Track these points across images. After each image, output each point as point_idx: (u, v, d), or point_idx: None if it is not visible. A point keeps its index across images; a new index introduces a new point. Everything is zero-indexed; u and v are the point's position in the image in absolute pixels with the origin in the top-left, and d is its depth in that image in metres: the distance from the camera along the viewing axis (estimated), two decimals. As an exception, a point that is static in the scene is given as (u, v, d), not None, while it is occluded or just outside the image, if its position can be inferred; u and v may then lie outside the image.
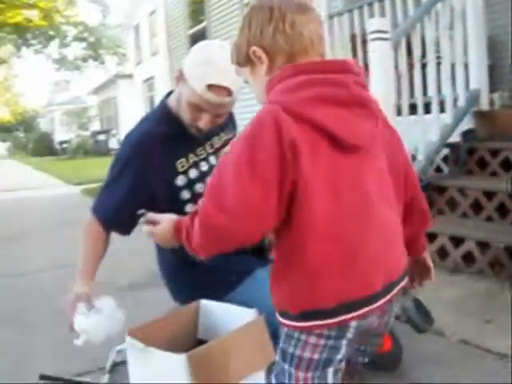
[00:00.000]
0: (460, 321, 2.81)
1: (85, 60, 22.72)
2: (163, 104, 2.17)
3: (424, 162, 4.27)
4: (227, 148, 2.20)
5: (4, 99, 35.19)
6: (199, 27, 11.11)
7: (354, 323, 1.23)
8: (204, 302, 2.05)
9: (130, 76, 27.03)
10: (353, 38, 5.43)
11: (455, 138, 4.49)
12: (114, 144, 26.09)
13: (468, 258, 3.51)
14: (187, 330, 2.02)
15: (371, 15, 5.03)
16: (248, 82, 1.39)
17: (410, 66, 4.36)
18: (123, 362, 2.12)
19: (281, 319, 1.28)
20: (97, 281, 1.99)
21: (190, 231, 1.28)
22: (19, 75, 54.68)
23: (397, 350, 2.37)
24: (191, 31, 11.49)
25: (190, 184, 2.12)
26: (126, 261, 4.57)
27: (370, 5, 5.13)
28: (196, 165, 2.14)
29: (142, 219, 1.50)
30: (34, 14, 18.47)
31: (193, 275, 2.13)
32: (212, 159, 2.19)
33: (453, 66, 4.42)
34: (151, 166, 2.03)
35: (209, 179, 2.06)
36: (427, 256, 1.58)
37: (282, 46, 1.26)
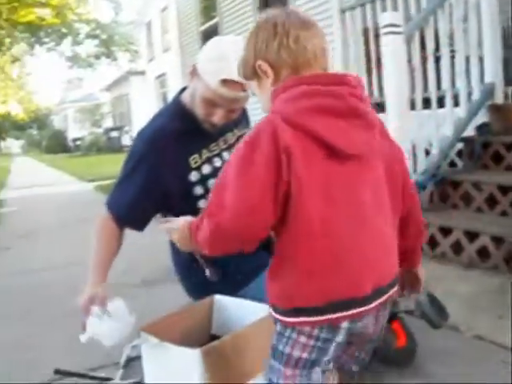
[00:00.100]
0: (474, 316, 2.79)
1: (97, 57, 22.83)
2: (177, 100, 2.17)
3: (438, 157, 4.24)
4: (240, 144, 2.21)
5: (18, 97, 35.30)
6: (211, 23, 11.09)
7: (344, 324, 1.27)
8: (218, 297, 2.05)
9: (142, 73, 27.11)
10: (365, 32, 5.40)
11: (469, 132, 4.45)
12: (126, 141, 26.18)
13: (483, 252, 3.49)
14: (201, 326, 2.02)
15: (384, 9, 4.99)
16: (255, 94, 1.46)
17: (424, 60, 4.32)
18: (137, 357, 2.13)
19: (273, 313, 1.34)
20: (110, 278, 1.99)
21: (199, 226, 1.32)
22: (32, 73, 54.75)
23: (411, 345, 2.36)
24: (203, 27, 11.48)
25: (203, 180, 2.11)
26: (139, 257, 4.59)
27: (383, -2, 5.10)
28: (209, 160, 2.14)
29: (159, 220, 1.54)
30: (46, 13, 18.56)
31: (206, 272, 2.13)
32: (225, 155, 2.18)
33: (467, 60, 4.38)
34: (164, 162, 2.03)
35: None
36: (420, 268, 1.62)
37: (286, 59, 1.32)
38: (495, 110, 4.51)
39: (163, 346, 1.72)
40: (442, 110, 4.36)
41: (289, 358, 1.30)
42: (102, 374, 2.46)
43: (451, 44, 4.41)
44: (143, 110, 22.24)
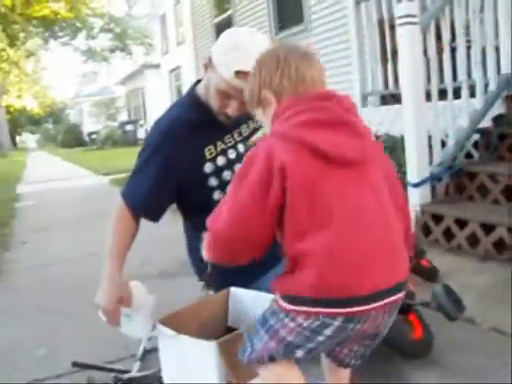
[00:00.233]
0: (491, 308, 2.77)
1: (112, 51, 22.92)
2: (192, 92, 2.18)
3: (454, 148, 4.21)
4: (255, 137, 2.21)
5: (33, 92, 35.59)
6: (224, 16, 11.06)
7: (337, 321, 1.34)
8: (234, 289, 2.06)
9: (157, 66, 27.15)
10: (380, 23, 5.37)
11: (486, 123, 4.41)
12: (141, 134, 26.26)
13: (499, 245, 3.46)
14: (217, 318, 2.03)
15: None
16: (260, 119, 1.61)
17: (439, 51, 4.29)
18: (154, 349, 2.14)
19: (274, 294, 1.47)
20: (127, 270, 2.00)
21: (204, 237, 1.49)
22: (47, 68, 55.22)
23: (428, 338, 2.35)
24: (216, 20, 11.45)
25: (218, 171, 2.12)
26: (155, 249, 4.62)
27: (398, -11, 5.05)
28: (224, 152, 2.14)
29: None
30: (60, 7, 18.63)
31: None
32: (240, 147, 2.19)
33: (483, 50, 4.33)
34: (179, 153, 2.04)
35: (237, 167, 2.08)
36: (411, 279, 1.65)
37: (287, 87, 1.47)
38: (512, 100, 4.46)
39: (180, 338, 1.73)
40: (457, 101, 4.32)
41: (275, 334, 1.41)
42: (120, 367, 2.47)
43: (467, 34, 4.36)
44: (158, 104, 22.28)
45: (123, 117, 36.79)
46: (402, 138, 4.23)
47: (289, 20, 8.64)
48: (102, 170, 13.71)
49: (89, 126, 41.50)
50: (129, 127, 29.60)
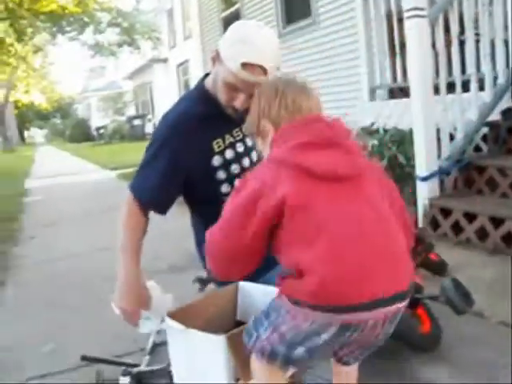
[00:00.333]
0: (499, 302, 2.76)
1: (120, 45, 22.90)
2: (200, 85, 2.17)
3: (463, 142, 4.19)
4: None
5: (40, 87, 35.60)
6: (232, 10, 11.03)
7: (334, 326, 1.36)
8: (242, 283, 2.06)
9: (164, 60, 27.15)
10: (389, 16, 5.34)
11: (495, 116, 4.39)
12: (149, 129, 26.29)
13: (508, 238, 3.45)
14: (226, 312, 2.03)
15: (407, -8, 4.92)
16: (260, 148, 1.68)
17: (448, 44, 4.27)
18: (163, 343, 2.15)
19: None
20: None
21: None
22: (55, 63, 55.13)
23: (436, 331, 2.35)
24: (224, 14, 11.42)
25: (226, 164, 2.12)
26: (163, 243, 4.62)
27: (406, -18, 5.02)
28: (232, 146, 2.14)
29: None
30: (68, 2, 18.63)
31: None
32: (248, 141, 2.18)
33: (492, 43, 4.31)
34: (187, 146, 2.04)
35: (245, 160, 2.08)
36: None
37: (284, 116, 1.54)
38: (521, 93, 4.44)
39: (188, 332, 1.73)
40: (466, 95, 4.30)
41: (277, 328, 1.44)
42: (129, 361, 2.48)
43: (476, 27, 4.34)
44: (166, 98, 22.30)
45: (131, 111, 36.84)
46: (411, 132, 4.22)
47: (296, 13, 8.60)
48: (109, 165, 13.75)
49: (97, 120, 41.57)
50: (136, 122, 29.62)
